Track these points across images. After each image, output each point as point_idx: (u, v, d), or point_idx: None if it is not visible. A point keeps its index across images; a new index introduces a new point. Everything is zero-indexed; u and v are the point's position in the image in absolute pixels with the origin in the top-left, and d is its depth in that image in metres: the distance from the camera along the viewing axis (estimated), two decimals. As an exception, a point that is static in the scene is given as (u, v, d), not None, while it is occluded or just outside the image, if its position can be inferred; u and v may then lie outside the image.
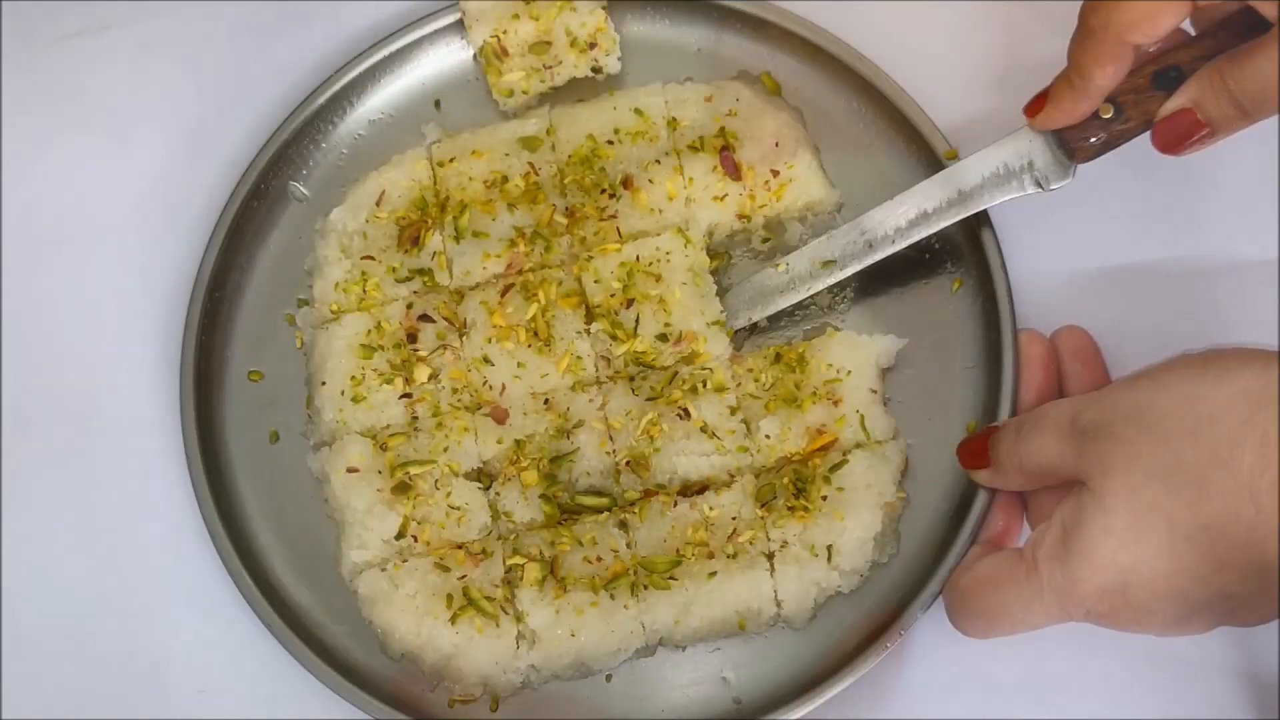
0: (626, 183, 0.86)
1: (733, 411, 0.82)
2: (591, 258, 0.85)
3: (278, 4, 0.94)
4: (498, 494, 0.82)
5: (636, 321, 0.83)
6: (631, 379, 0.83)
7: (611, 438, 0.82)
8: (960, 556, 0.78)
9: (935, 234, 0.84)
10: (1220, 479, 0.63)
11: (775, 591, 0.79)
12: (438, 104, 0.92)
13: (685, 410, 0.82)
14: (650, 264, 0.84)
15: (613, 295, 0.84)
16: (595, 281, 0.84)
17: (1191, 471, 0.64)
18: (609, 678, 0.81)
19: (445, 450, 0.82)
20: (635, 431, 0.82)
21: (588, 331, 0.84)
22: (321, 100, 0.90)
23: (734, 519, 0.80)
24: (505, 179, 0.87)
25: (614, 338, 0.83)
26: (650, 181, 0.86)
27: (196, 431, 0.84)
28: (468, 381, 0.84)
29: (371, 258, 0.86)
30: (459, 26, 0.91)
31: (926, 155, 0.86)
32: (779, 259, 0.85)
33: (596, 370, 0.84)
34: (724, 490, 0.81)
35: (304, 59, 0.93)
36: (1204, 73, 0.73)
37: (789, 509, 0.80)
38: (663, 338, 0.83)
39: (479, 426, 0.83)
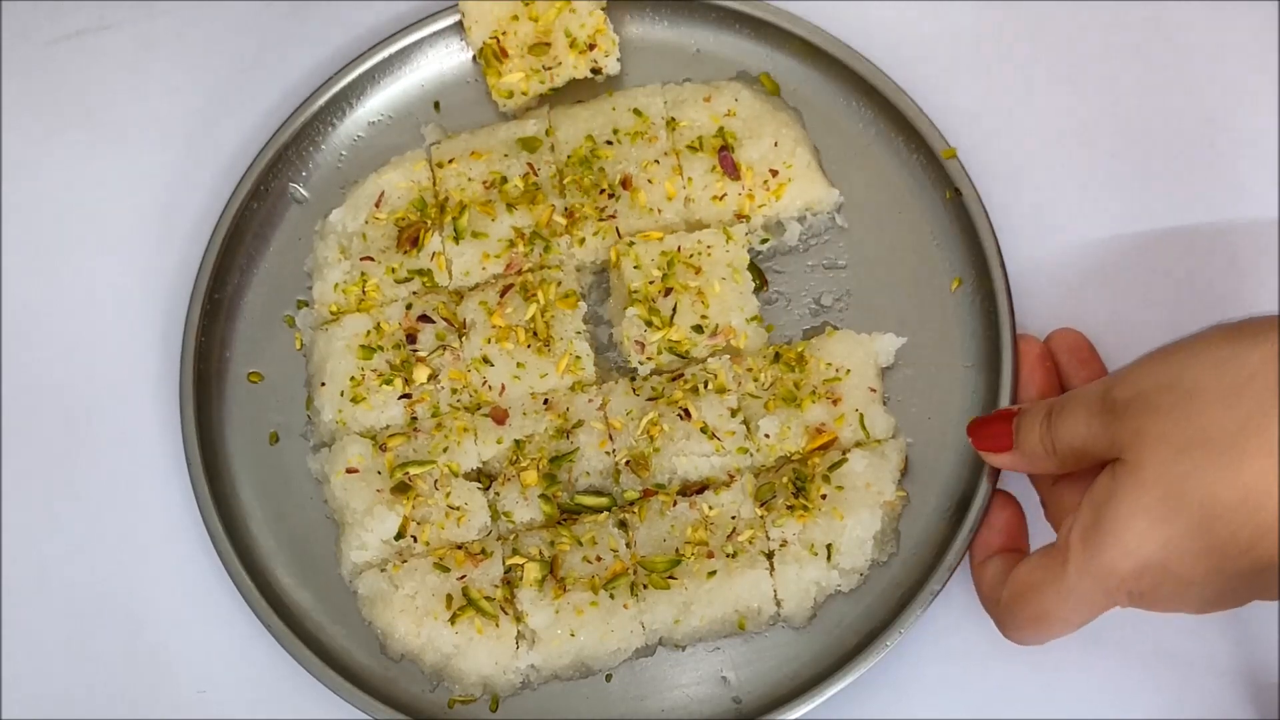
0: (625, 183, 0.86)
1: (733, 413, 0.82)
2: (633, 243, 0.85)
3: (278, 4, 0.95)
4: (497, 494, 0.82)
5: (674, 310, 0.84)
6: (660, 373, 0.84)
7: (611, 437, 0.82)
8: (960, 555, 0.78)
9: (934, 233, 0.84)
10: (1255, 446, 0.61)
11: (775, 591, 0.79)
12: (437, 105, 0.92)
13: (686, 410, 0.82)
14: (691, 256, 0.85)
15: (651, 282, 0.84)
16: (635, 267, 0.84)
17: (1226, 440, 0.62)
18: (609, 678, 0.81)
19: (445, 451, 0.82)
20: (635, 431, 0.82)
21: (587, 332, 0.85)
22: (321, 102, 0.89)
23: (733, 518, 0.80)
24: (504, 180, 0.87)
25: (649, 324, 0.83)
26: (649, 182, 0.86)
27: (196, 433, 0.84)
28: (467, 382, 0.84)
29: (371, 259, 0.86)
30: (458, 28, 0.91)
31: (926, 155, 0.86)
32: None
33: (633, 358, 0.84)
34: (723, 489, 0.81)
35: (304, 60, 0.93)
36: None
37: (788, 508, 0.80)
38: (698, 329, 0.83)
39: (478, 427, 0.83)
